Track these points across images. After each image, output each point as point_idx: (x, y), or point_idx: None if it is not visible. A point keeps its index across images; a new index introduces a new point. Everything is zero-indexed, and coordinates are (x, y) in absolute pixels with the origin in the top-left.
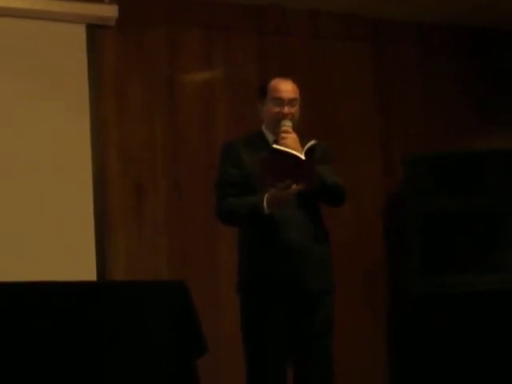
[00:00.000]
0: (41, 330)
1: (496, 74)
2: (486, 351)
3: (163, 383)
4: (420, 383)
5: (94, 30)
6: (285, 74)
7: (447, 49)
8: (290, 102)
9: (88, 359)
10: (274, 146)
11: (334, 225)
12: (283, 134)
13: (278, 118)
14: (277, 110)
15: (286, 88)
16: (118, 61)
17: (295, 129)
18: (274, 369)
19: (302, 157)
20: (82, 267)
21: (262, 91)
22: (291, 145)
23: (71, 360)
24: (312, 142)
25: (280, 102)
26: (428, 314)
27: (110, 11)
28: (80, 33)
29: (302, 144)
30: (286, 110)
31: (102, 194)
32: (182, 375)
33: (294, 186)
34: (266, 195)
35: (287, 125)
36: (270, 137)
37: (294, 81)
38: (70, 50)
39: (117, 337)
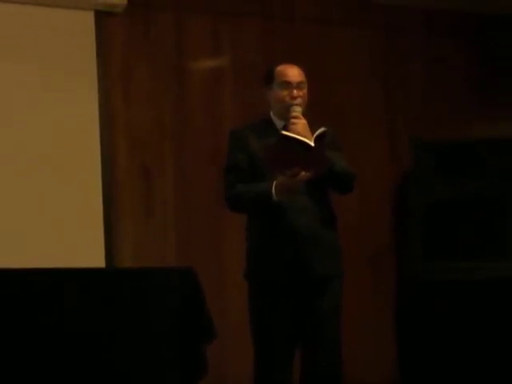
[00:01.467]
0: (48, 314)
1: (498, 60)
2: (489, 336)
3: (172, 368)
4: (426, 368)
5: (102, 16)
6: (291, 60)
7: (449, 33)
8: (298, 85)
9: (94, 345)
10: (284, 132)
11: (340, 210)
12: (293, 120)
13: (287, 102)
14: (285, 93)
15: (294, 72)
16: (126, 47)
17: (304, 115)
18: (281, 355)
19: (312, 143)
20: (90, 254)
21: (269, 77)
22: (301, 130)
23: (76, 345)
24: (322, 129)
25: (288, 85)
26: (433, 300)
27: None
28: (88, 19)
29: (312, 131)
30: (295, 92)
31: (110, 181)
32: (191, 360)
33: (303, 174)
34: (275, 182)
35: (297, 110)
36: (277, 123)
37: (300, 66)
38: (79, 37)
39: (125, 323)
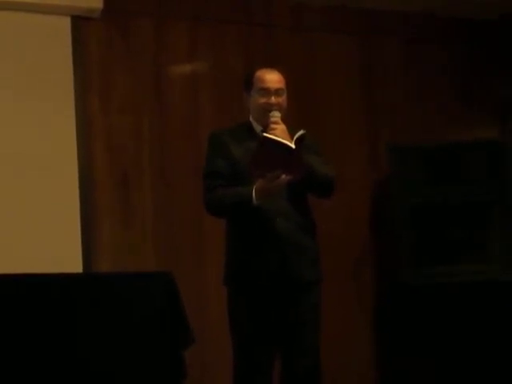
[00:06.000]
0: (26, 320)
1: (481, 62)
2: (475, 340)
3: (151, 374)
4: (409, 374)
5: (79, 21)
6: (271, 65)
7: (431, 37)
8: (277, 91)
9: (74, 350)
10: (264, 134)
11: (321, 216)
12: (272, 125)
13: (265, 109)
14: (263, 100)
15: (272, 78)
16: (104, 53)
17: (283, 119)
18: (260, 359)
19: (293, 146)
20: (68, 260)
21: (248, 82)
22: (280, 136)
23: (57, 351)
24: (301, 132)
25: (266, 92)
26: (416, 305)
27: (95, 2)
28: (65, 25)
29: (291, 134)
30: (273, 100)
31: (88, 188)
32: (170, 366)
33: (284, 177)
34: (255, 186)
35: (276, 115)
36: (257, 127)
37: (280, 71)
38: (55, 42)
39: (103, 328)
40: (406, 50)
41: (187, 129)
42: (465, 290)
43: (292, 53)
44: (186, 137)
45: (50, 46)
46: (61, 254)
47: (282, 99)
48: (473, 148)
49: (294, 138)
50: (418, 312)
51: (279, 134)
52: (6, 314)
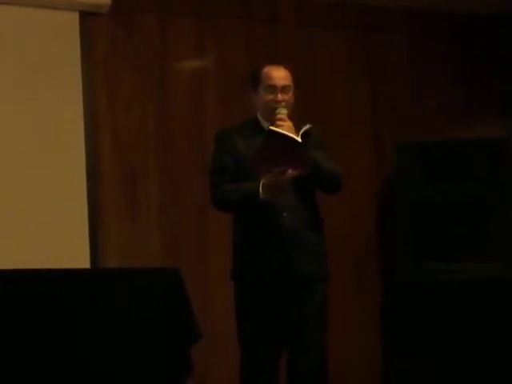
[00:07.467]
0: (25, 317)
1: (482, 59)
2: (475, 337)
3: (157, 371)
4: (413, 371)
5: (87, 17)
6: (275, 62)
7: (432, 33)
8: (284, 88)
9: (81, 346)
10: (271, 127)
11: (326, 214)
12: (278, 122)
13: (272, 106)
14: (270, 97)
15: (279, 75)
16: (110, 48)
17: (290, 116)
18: (266, 355)
19: (299, 139)
20: (75, 257)
21: (255, 79)
22: (287, 132)
23: (63, 346)
24: (307, 126)
25: (273, 89)
26: (419, 302)
27: None
28: (73, 20)
29: (297, 130)
30: (280, 97)
31: (95, 183)
32: (176, 362)
33: (290, 171)
34: (262, 181)
35: (282, 113)
36: (265, 124)
37: (286, 68)
38: (63, 38)
39: (110, 324)
40: (409, 47)
41: (192, 124)
42: (465, 288)
43: (295, 50)
44: (191, 133)
45: (58, 42)
46: (68, 250)
47: (289, 96)
48: (474, 146)
49: (300, 132)
50: (419, 309)
51: (286, 130)
52: (4, 309)
